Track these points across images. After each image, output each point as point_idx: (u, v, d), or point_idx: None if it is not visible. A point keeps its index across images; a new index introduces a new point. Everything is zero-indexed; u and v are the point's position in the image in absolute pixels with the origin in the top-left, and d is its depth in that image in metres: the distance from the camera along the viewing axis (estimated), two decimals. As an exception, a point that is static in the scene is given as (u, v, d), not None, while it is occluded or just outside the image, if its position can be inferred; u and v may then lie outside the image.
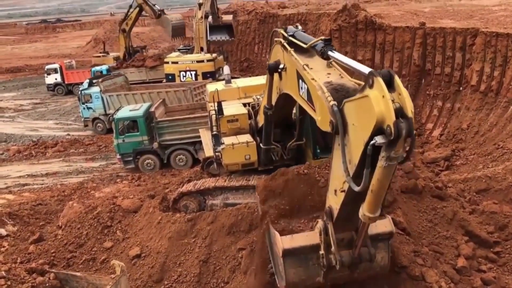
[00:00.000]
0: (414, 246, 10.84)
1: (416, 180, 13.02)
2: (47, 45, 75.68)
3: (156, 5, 39.26)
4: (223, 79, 15.35)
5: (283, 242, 7.04)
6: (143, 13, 40.07)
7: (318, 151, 12.07)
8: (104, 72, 37.16)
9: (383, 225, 7.09)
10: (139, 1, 38.36)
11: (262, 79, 13.72)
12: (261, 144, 11.98)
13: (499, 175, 14.28)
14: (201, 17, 33.27)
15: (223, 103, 12.26)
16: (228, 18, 36.61)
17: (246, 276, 10.35)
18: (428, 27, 23.39)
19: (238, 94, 13.43)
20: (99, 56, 44.43)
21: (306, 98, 7.30)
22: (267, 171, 12.29)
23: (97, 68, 38.76)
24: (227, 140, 12.75)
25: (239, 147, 12.30)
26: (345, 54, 25.74)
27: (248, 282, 10.20)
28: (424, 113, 22.96)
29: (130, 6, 39.71)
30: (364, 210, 5.73)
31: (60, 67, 41.26)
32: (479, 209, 13.16)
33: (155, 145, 20.96)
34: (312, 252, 6.91)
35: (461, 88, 21.87)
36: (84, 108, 28.75)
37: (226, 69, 15.56)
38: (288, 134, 11.99)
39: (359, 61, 25.10)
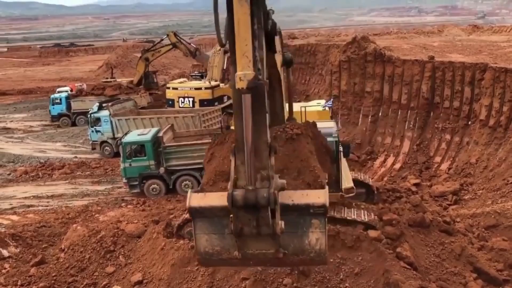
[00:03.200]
0: (421, 281, 10.61)
1: (424, 213, 12.86)
2: (60, 68, 77.02)
3: (191, 44, 39.56)
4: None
5: (191, 200, 5.87)
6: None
7: None
8: (63, 99, 37.68)
9: (315, 196, 5.62)
10: (173, 40, 38.61)
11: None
12: None
13: (508, 211, 14.07)
14: (219, 49, 33.80)
15: None
16: None
17: (248, 307, 10.14)
18: (437, 61, 23.58)
19: None
20: (109, 81, 45.10)
21: None
22: None
23: (56, 95, 39.30)
24: None
25: None
26: (354, 85, 25.96)
27: (251, 313, 9.98)
28: (432, 146, 22.87)
29: (161, 39, 40.06)
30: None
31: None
32: (488, 246, 12.91)
33: (162, 170, 20.95)
34: (226, 216, 5.69)
35: (469, 122, 21.84)
36: (92, 131, 28.97)
37: None
38: None
39: (367, 92, 25.39)
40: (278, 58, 10.24)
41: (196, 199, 5.87)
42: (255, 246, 5.68)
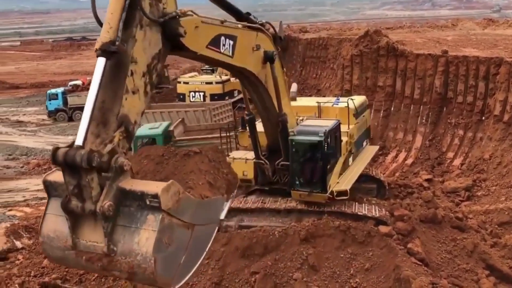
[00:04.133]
0: (432, 277, 10.54)
1: (436, 209, 12.75)
2: (72, 62, 77.49)
3: None
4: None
5: (48, 174, 5.86)
6: None
7: (297, 182, 11.86)
8: (60, 95, 37.97)
9: (154, 186, 5.44)
10: None
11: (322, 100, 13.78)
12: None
13: (522, 208, 13.86)
14: None
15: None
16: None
17: (258, 301, 10.15)
18: (451, 55, 23.25)
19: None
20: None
21: None
22: (282, 194, 12.22)
23: (53, 90, 39.56)
24: (234, 153, 13.38)
25: (239, 162, 12.64)
26: (366, 79, 25.71)
27: (261, 307, 9.99)
28: (445, 141, 22.61)
29: None
30: None
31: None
32: (501, 243, 12.78)
33: (173, 163, 21.00)
34: None
35: (483, 118, 21.54)
36: (104, 125, 29.14)
37: (294, 87, 15.51)
38: (278, 154, 11.95)
39: (379, 87, 25.13)
40: (258, 55, 10.23)
41: (53, 174, 5.84)
42: (87, 235, 5.59)
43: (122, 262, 5.54)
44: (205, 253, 6.31)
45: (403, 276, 10.02)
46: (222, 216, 6.56)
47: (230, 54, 9.02)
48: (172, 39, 7.18)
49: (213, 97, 31.66)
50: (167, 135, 21.34)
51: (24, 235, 15.27)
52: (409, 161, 22.61)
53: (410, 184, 15.45)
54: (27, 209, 19.03)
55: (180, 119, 23.91)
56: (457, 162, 21.45)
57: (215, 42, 8.53)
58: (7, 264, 13.50)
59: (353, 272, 10.61)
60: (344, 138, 12.71)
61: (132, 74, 6.29)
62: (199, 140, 21.45)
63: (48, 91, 40.27)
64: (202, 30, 8.03)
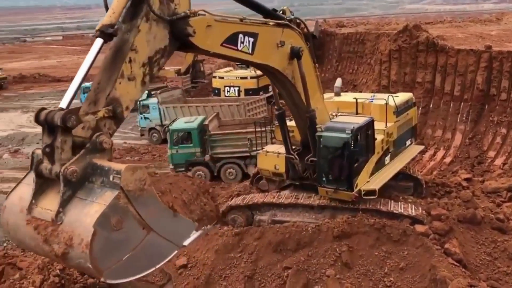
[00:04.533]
0: (470, 279, 10.23)
1: (475, 210, 12.36)
2: (111, 56, 79.39)
3: None
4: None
5: (39, 148, 6.13)
6: None
7: (324, 179, 11.69)
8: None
9: (122, 165, 5.73)
10: None
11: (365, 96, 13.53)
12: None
13: None
14: None
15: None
16: (310, 27, 36.09)
17: (290, 296, 10.17)
18: (495, 51, 22.41)
19: (332, 108, 13.26)
20: (158, 69, 45.92)
21: None
22: (313, 190, 12.12)
23: (87, 84, 40.24)
24: (268, 147, 13.66)
25: (271, 155, 12.85)
26: (404, 75, 25.15)
27: (293, 302, 10.00)
28: (486, 140, 21.86)
29: None
30: None
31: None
32: (545, 246, 12.23)
33: (207, 157, 21.27)
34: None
35: (528, 116, 20.69)
36: (141, 118, 29.77)
37: (338, 82, 15.38)
38: (310, 149, 11.89)
39: (418, 83, 24.51)
40: (284, 52, 10.13)
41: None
42: (45, 203, 5.78)
43: (64, 232, 5.58)
44: (153, 269, 6.14)
45: (440, 276, 9.79)
46: (186, 243, 6.37)
47: (250, 51, 9.05)
48: (180, 38, 7.41)
49: (248, 92, 31.79)
50: (202, 129, 21.62)
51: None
52: (448, 159, 22.00)
53: (448, 183, 15.03)
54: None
55: (215, 114, 24.15)
56: (498, 161, 20.70)
57: (231, 40, 8.59)
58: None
59: (387, 270, 10.45)
60: (380, 136, 12.43)
61: (130, 61, 6.66)
62: (233, 134, 21.64)
63: (83, 85, 41.32)
64: (215, 28, 8.13)
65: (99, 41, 6.50)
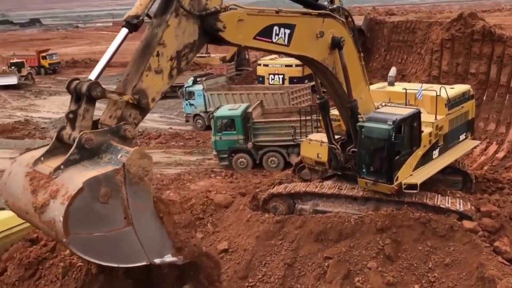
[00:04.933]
0: (521, 280, 9.78)
1: (530, 207, 11.77)
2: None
3: None
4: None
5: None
6: None
7: (364, 170, 11.41)
8: None
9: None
10: None
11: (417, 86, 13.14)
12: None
13: None
14: None
15: None
16: (359, 21, 35.30)
17: (330, 286, 10.11)
18: (557, 41, 21.09)
19: (383, 98, 13.03)
20: (203, 57, 46.44)
21: None
22: (354, 180, 11.91)
23: None
24: (312, 136, 13.64)
25: (314, 144, 12.82)
26: (457, 66, 24.15)
27: (333, 292, 9.95)
28: (544, 135, 20.71)
29: None
30: None
31: None
32: None
33: (250, 145, 21.38)
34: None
35: None
36: (186, 104, 30.28)
37: (393, 71, 15.07)
38: (352, 140, 11.72)
39: (471, 74, 23.47)
40: (324, 42, 9.88)
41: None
42: (51, 162, 5.98)
43: (54, 185, 5.63)
44: (115, 265, 5.94)
45: (488, 275, 9.42)
46: (157, 261, 6.11)
47: (286, 43, 8.98)
48: (210, 33, 7.49)
49: (292, 80, 31.58)
50: (245, 116, 21.71)
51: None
52: (500, 154, 21.01)
53: (500, 179, 14.36)
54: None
55: (258, 102, 24.17)
56: (556, 158, 19.60)
57: (265, 33, 8.55)
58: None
59: (431, 266, 10.18)
60: (428, 129, 11.99)
61: (158, 55, 6.85)
62: (276, 122, 21.61)
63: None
64: (248, 22, 8.11)
65: (124, 31, 6.85)
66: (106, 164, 5.82)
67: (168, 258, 6.21)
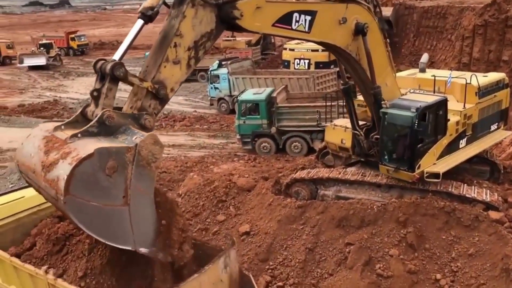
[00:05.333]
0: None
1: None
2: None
3: None
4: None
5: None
6: None
7: (386, 157, 11.27)
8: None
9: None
10: None
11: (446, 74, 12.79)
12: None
13: None
14: None
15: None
16: (387, 13, 34.69)
17: (351, 271, 10.13)
18: None
19: (413, 84, 12.86)
20: (229, 40, 46.33)
21: None
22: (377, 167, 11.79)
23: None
24: (337, 121, 13.68)
25: (339, 129, 12.79)
26: (489, 53, 23.45)
27: (353, 278, 9.97)
28: None
29: None
30: None
31: None
32: None
33: (273, 129, 21.36)
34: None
35: None
36: (211, 88, 30.36)
37: (424, 57, 14.82)
38: (376, 127, 11.62)
39: (503, 61, 22.75)
40: (346, 28, 9.71)
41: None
42: (70, 132, 6.27)
43: (67, 148, 5.88)
44: (101, 240, 6.01)
45: (513, 267, 9.28)
46: (142, 251, 6.22)
47: (306, 29, 8.93)
48: (227, 22, 7.54)
49: (318, 65, 31.25)
50: (270, 101, 21.65)
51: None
52: (531, 145, 20.41)
53: (530, 170, 14.00)
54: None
55: (283, 86, 24.04)
56: None
57: (285, 20, 8.51)
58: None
59: (454, 255, 10.06)
60: (455, 118, 11.73)
61: (175, 46, 6.98)
62: (301, 108, 21.48)
63: (146, 53, 42.93)
64: (266, 9, 8.09)
65: (139, 22, 7.07)
66: (120, 143, 6.07)
67: (154, 252, 6.35)
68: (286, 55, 33.94)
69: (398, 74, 14.40)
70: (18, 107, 32.83)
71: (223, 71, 29.70)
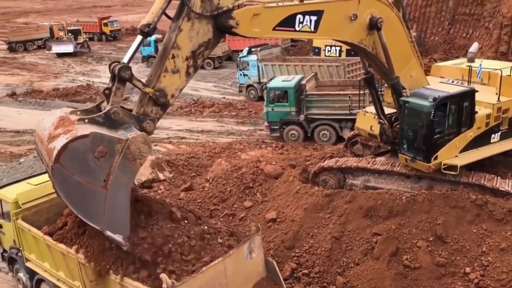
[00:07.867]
0: None
1: None
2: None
3: None
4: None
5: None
6: None
7: (405, 146, 11.14)
8: (152, 42, 39.22)
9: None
10: None
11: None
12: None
13: None
14: None
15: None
16: None
17: (377, 262, 10.06)
18: None
19: (455, 75, 12.66)
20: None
21: None
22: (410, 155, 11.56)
23: (151, 38, 40.37)
24: (369, 108, 13.58)
25: (369, 116, 12.81)
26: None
27: (380, 268, 9.90)
28: None
29: None
30: None
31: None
32: None
33: (302, 117, 21.24)
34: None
35: None
36: (240, 75, 30.34)
37: (474, 47, 14.46)
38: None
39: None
40: (360, 24, 9.51)
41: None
42: (85, 117, 7.50)
43: (71, 126, 7.00)
44: (76, 214, 7.01)
45: (546, 263, 9.01)
46: (107, 234, 7.03)
47: (312, 29, 9.08)
48: (223, 31, 8.10)
49: (350, 52, 30.70)
50: (299, 88, 21.51)
51: (166, 169, 17.01)
52: None
53: None
54: (170, 146, 21.09)
55: (312, 74, 23.81)
56: None
57: (287, 23, 8.71)
58: (151, 192, 15.26)
59: (485, 249, 9.85)
60: (486, 111, 11.31)
61: (173, 57, 7.69)
62: (330, 96, 21.26)
63: (150, 39, 42.70)
64: (265, 15, 8.37)
65: (139, 37, 7.86)
66: (115, 134, 7.05)
67: (118, 238, 7.07)
68: (316, 41, 33.45)
69: (444, 63, 14.08)
70: (52, 91, 33.67)
71: (252, 58, 29.61)
